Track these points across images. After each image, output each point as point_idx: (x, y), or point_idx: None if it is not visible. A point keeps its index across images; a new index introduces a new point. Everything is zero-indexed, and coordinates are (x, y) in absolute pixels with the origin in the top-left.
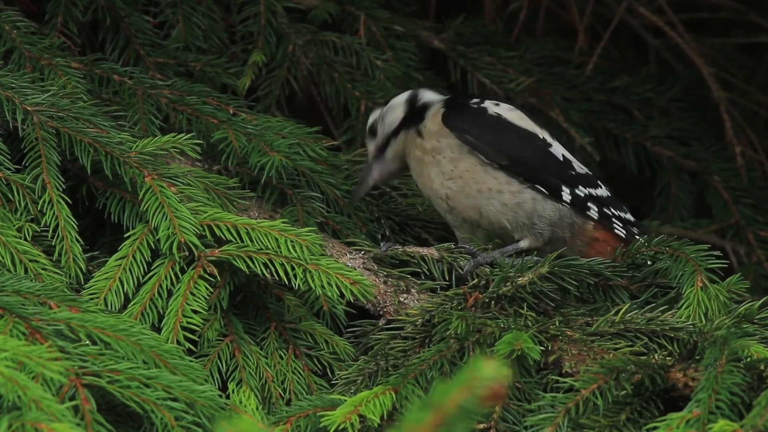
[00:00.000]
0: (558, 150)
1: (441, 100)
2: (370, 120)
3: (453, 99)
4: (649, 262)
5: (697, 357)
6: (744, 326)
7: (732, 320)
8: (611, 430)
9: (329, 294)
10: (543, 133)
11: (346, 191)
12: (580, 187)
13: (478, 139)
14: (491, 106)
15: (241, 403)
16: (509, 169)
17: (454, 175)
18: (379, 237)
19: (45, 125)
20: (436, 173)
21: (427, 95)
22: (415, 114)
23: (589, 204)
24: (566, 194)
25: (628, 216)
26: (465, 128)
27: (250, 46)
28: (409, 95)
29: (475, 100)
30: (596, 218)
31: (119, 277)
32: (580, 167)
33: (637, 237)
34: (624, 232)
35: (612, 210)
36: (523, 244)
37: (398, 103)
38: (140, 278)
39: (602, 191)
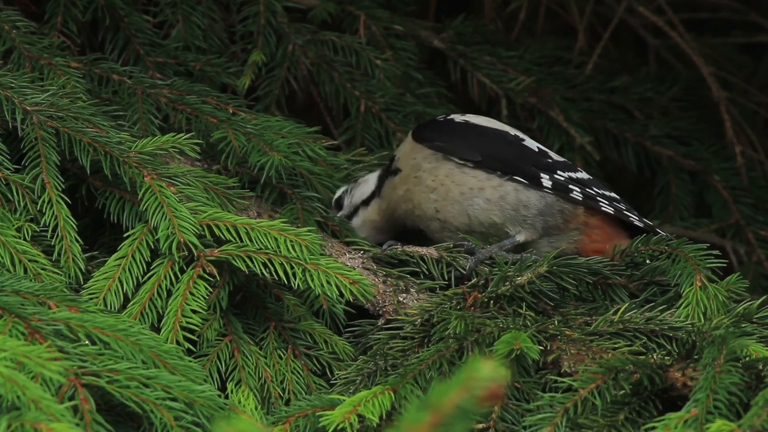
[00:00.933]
0: (532, 143)
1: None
2: (336, 194)
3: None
4: (648, 261)
5: (696, 356)
6: (743, 326)
7: (731, 320)
8: (610, 429)
9: (329, 293)
10: (514, 131)
11: None
12: (559, 172)
13: (449, 143)
14: (457, 117)
15: (240, 402)
16: (485, 165)
17: (436, 184)
18: None
19: (44, 125)
20: (422, 192)
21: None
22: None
23: (570, 186)
24: (546, 180)
25: (613, 194)
26: (434, 137)
27: (249, 46)
28: (381, 171)
29: (440, 116)
30: (581, 199)
31: (118, 277)
32: (557, 156)
33: (626, 213)
34: (611, 209)
35: (595, 189)
36: (519, 237)
37: (371, 177)
38: (139, 278)
39: (582, 174)
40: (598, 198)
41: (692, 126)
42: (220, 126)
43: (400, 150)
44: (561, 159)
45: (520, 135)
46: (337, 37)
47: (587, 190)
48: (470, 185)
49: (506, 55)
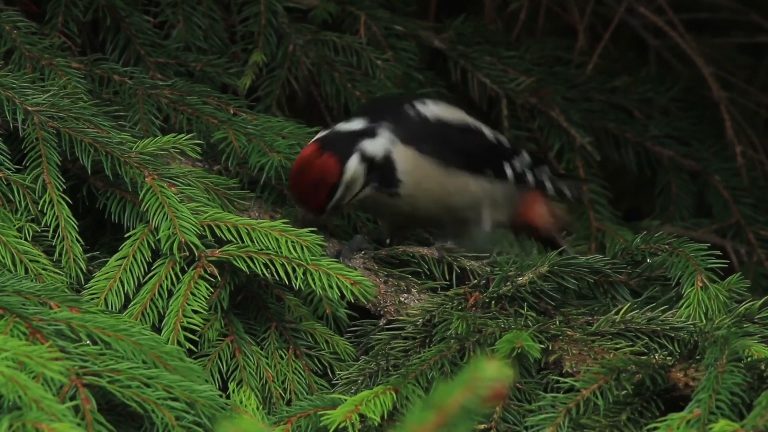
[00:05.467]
0: (488, 133)
1: (387, 139)
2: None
3: (396, 122)
4: (648, 260)
5: (698, 357)
6: (744, 326)
7: (732, 320)
8: (612, 430)
9: (330, 295)
10: (470, 119)
11: None
12: (513, 160)
13: (434, 153)
14: (423, 108)
15: (241, 403)
16: (465, 166)
17: (440, 191)
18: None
19: (45, 125)
20: (426, 198)
21: (369, 147)
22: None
23: (525, 170)
24: (509, 171)
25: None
26: (433, 150)
27: (250, 46)
28: (365, 171)
29: (409, 110)
30: (532, 184)
31: (120, 278)
32: (506, 141)
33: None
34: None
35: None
36: (486, 226)
37: (357, 176)
38: (141, 278)
39: (525, 156)
40: (544, 182)
41: (692, 126)
42: (221, 127)
43: (399, 167)
44: (506, 143)
45: (476, 124)
46: (337, 37)
47: (535, 173)
48: (458, 184)
49: (506, 55)
